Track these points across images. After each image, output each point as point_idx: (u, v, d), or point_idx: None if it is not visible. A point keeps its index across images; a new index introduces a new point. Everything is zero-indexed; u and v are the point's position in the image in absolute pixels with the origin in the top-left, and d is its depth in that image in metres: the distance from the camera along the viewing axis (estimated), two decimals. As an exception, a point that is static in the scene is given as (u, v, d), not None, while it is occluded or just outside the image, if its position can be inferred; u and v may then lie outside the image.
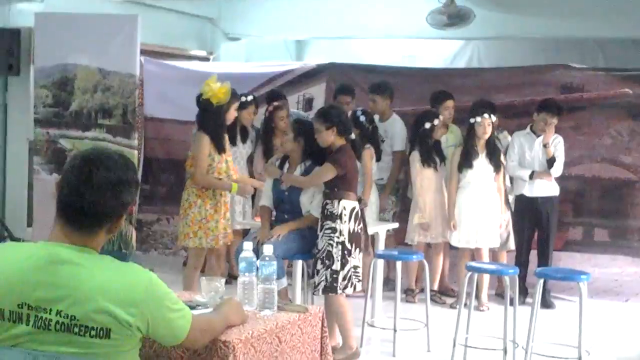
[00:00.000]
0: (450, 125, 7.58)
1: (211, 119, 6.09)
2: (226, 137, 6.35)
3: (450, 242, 7.30)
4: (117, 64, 7.84)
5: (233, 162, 7.50)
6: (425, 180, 7.22)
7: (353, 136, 5.67)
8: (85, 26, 7.88)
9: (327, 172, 5.47)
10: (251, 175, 7.58)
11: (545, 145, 7.16)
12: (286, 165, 5.94)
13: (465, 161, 7.08)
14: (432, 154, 7.22)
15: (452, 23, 9.37)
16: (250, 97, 7.72)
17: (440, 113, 7.36)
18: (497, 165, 7.11)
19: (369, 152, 6.98)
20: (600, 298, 7.50)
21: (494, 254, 7.47)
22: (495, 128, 7.22)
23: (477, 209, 7.09)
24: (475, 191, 7.11)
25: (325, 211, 5.52)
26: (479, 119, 6.96)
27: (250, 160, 7.87)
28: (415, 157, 7.22)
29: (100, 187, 2.36)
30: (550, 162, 7.17)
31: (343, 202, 5.47)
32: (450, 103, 7.49)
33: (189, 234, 6.18)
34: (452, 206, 7.17)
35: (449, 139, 7.49)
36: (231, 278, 7.08)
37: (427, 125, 7.14)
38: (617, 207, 7.90)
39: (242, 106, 7.46)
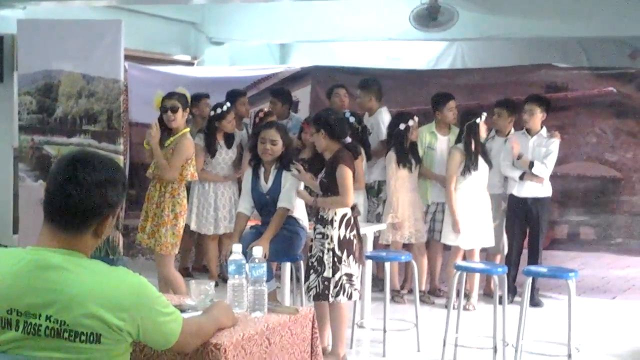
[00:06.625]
0: (452, 127, 7.52)
1: None
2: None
3: (446, 242, 7.27)
4: (101, 69, 7.80)
5: (216, 166, 7.54)
6: (399, 180, 7.22)
7: (348, 139, 5.43)
8: (69, 32, 7.84)
9: (349, 174, 5.23)
10: (239, 180, 7.50)
11: (518, 158, 7.17)
12: (262, 170, 5.85)
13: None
14: (407, 154, 7.21)
15: (437, 23, 9.38)
16: (225, 107, 7.58)
17: (442, 114, 7.40)
18: (490, 165, 7.15)
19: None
20: (587, 296, 7.54)
21: (488, 257, 7.47)
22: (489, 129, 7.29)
23: (472, 209, 7.09)
24: (471, 191, 7.10)
25: (318, 216, 5.43)
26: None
27: (236, 164, 7.81)
28: (391, 157, 7.22)
29: (85, 185, 2.33)
30: (529, 167, 7.17)
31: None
32: (452, 104, 7.45)
33: (176, 243, 6.01)
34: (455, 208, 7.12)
35: (451, 140, 7.39)
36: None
37: (402, 126, 7.15)
38: (603, 205, 7.92)
39: (220, 117, 7.47)
